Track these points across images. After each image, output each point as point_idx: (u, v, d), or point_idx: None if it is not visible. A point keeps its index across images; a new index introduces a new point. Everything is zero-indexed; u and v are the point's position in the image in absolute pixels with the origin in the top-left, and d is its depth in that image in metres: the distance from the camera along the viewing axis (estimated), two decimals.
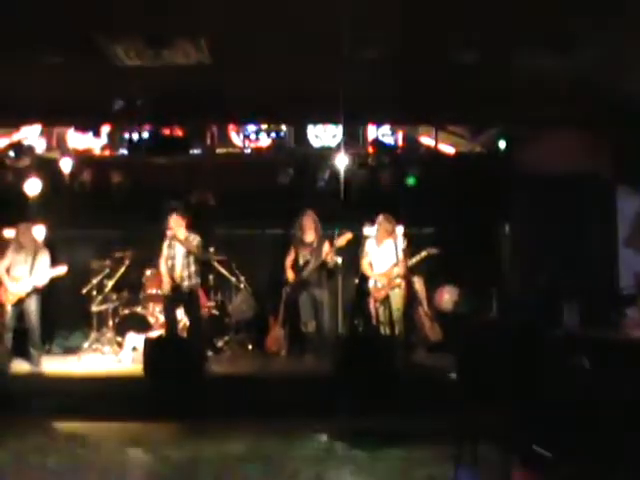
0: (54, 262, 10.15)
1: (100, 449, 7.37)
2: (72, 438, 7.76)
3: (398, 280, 10.18)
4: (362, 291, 10.92)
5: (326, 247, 10.58)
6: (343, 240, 10.46)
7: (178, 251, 10.22)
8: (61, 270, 10.12)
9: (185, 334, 10.61)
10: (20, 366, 9.90)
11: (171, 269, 10.21)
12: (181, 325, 10.75)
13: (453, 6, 6.50)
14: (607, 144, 9.86)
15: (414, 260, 10.30)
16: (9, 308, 9.89)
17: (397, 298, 10.19)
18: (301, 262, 10.69)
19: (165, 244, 10.25)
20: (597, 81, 8.42)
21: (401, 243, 10.24)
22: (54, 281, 10.12)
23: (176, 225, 10.15)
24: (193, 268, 10.27)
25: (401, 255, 10.17)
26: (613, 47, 7.38)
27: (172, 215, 10.19)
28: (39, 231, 10.77)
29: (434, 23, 6.92)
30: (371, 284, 10.38)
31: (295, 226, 10.77)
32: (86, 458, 7.06)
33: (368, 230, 10.92)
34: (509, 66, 7.97)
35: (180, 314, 10.68)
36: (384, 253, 10.31)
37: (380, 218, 10.30)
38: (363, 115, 10.23)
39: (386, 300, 10.21)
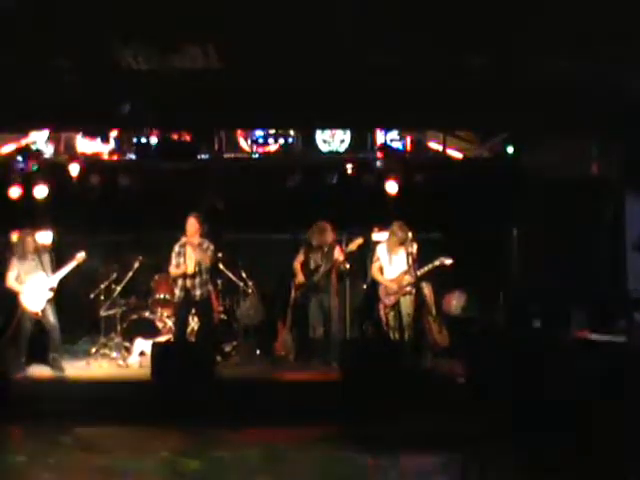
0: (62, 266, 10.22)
1: (107, 454, 7.36)
2: (79, 443, 7.75)
3: (409, 288, 10.16)
4: (371, 296, 10.90)
5: (337, 252, 10.58)
6: (354, 245, 10.48)
7: (190, 257, 10.21)
8: (80, 257, 10.18)
9: (193, 339, 10.62)
10: (28, 371, 9.95)
11: (182, 275, 10.21)
12: (189, 330, 10.75)
13: (461, 10, 6.50)
14: (615, 147, 9.84)
15: (426, 269, 10.24)
16: (28, 315, 9.96)
17: (407, 303, 10.17)
18: (312, 266, 10.69)
19: (175, 249, 10.24)
20: (604, 84, 8.41)
21: (413, 251, 10.16)
22: (63, 285, 10.18)
23: (192, 230, 10.14)
24: (205, 275, 10.27)
25: (412, 263, 10.12)
26: (618, 49, 7.36)
27: (189, 220, 10.19)
28: (45, 236, 10.83)
29: (443, 27, 6.91)
30: (381, 290, 10.35)
31: (307, 231, 10.77)
32: (93, 463, 7.06)
33: (377, 235, 10.91)
34: (516, 70, 7.96)
35: (189, 319, 10.67)
36: (395, 260, 10.25)
37: (394, 226, 10.20)
38: (371, 120, 10.23)
39: (396, 305, 10.20)
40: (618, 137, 9.68)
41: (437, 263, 10.22)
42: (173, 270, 10.28)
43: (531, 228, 11.10)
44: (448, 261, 10.19)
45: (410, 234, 10.15)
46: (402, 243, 10.13)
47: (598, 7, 6.32)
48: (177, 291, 10.31)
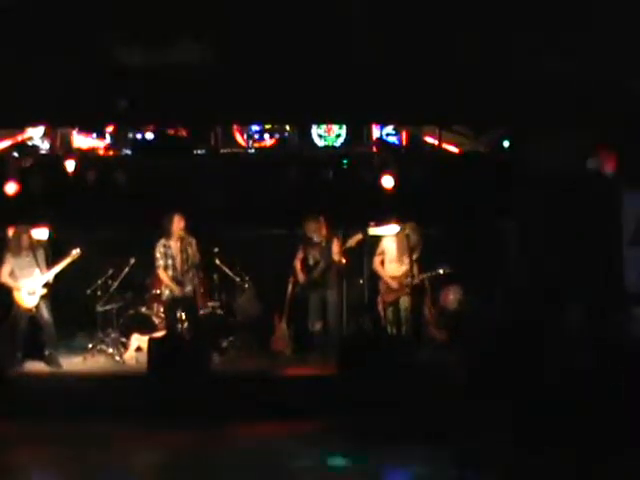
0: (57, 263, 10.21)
1: (104, 449, 7.37)
2: (76, 438, 7.75)
3: (408, 289, 10.22)
4: (370, 289, 10.89)
5: (335, 246, 10.58)
6: (353, 241, 10.49)
7: (177, 255, 10.21)
8: (75, 253, 10.16)
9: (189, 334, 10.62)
10: (25, 367, 9.95)
11: (171, 272, 10.22)
12: (185, 325, 10.74)
13: (455, 7, 6.51)
14: (612, 143, 9.83)
15: (428, 274, 10.30)
16: (22, 311, 9.95)
17: (405, 297, 10.21)
18: (311, 262, 10.71)
19: (160, 250, 10.24)
20: (600, 81, 8.41)
21: (418, 254, 10.19)
22: (59, 280, 10.17)
23: (177, 228, 10.13)
24: (193, 271, 10.27)
25: (415, 266, 10.14)
26: (613, 47, 7.37)
27: (174, 217, 10.16)
28: (41, 232, 10.81)
29: (437, 24, 6.92)
30: (382, 285, 10.36)
31: (304, 227, 10.75)
32: (90, 458, 7.07)
33: (380, 229, 10.86)
34: (513, 66, 7.96)
35: (183, 314, 10.67)
36: (400, 259, 10.26)
37: (407, 227, 10.19)
38: (367, 115, 10.21)
39: (395, 302, 10.22)
40: (616, 133, 9.67)
41: (441, 271, 10.28)
42: (162, 273, 10.28)
43: (528, 222, 11.08)
44: (449, 270, 10.25)
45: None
46: (411, 245, 10.11)
47: (598, 7, 6.33)
48: (166, 289, 10.33)
